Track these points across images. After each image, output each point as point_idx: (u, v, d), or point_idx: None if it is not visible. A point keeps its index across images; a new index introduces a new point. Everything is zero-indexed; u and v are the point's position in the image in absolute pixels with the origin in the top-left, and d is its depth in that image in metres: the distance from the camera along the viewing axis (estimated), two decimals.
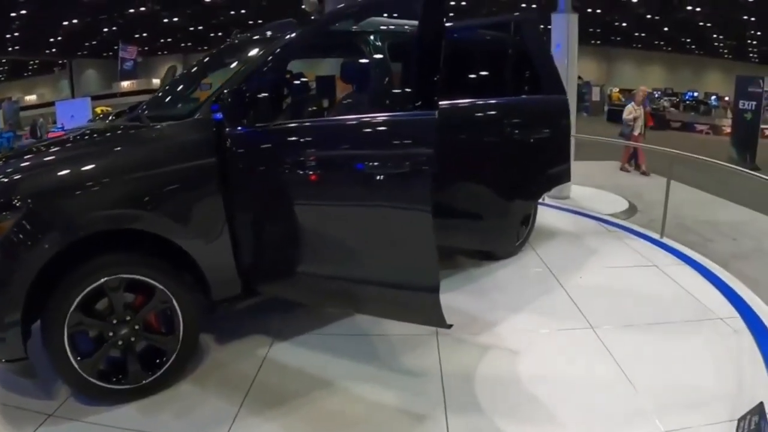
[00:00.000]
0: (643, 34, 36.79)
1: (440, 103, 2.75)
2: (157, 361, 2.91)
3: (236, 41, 4.17)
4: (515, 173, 4.29)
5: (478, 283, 4.49)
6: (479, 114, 4.26)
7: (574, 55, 7.35)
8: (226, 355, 3.36)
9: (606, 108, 28.55)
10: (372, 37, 3.51)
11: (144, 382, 2.85)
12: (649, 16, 30.43)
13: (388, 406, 2.87)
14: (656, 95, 36.33)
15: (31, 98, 35.28)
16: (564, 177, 4.84)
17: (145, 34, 33.98)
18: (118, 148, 2.91)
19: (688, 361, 3.31)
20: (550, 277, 4.61)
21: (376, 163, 2.72)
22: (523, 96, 4.29)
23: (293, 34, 3.37)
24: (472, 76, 4.49)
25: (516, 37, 4.19)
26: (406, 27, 3.59)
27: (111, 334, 2.75)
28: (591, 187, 8.70)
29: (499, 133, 4.22)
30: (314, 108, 4.34)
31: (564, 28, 7.24)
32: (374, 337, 3.58)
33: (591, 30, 36.41)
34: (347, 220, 2.91)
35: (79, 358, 2.69)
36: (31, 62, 39.24)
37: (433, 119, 2.58)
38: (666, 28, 33.27)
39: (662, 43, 39.11)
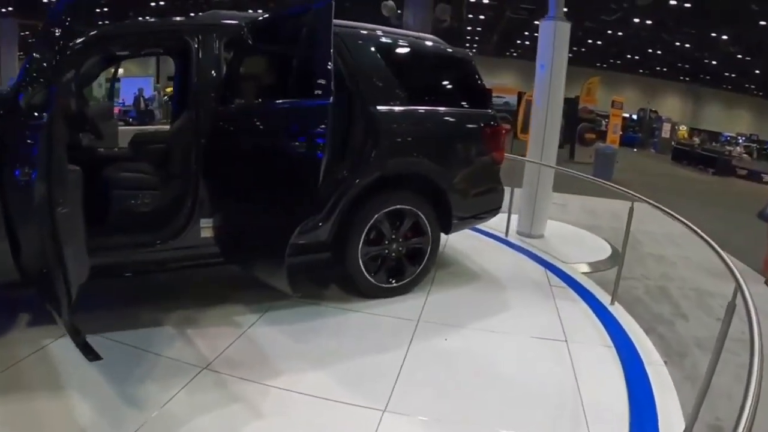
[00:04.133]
0: (733, 75, 34.18)
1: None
2: None
3: None
4: (260, 198, 3.32)
5: (323, 320, 3.83)
6: (233, 121, 3.49)
7: (560, 71, 6.20)
8: (19, 336, 3.31)
9: (673, 145, 26.62)
10: None
11: None
12: (740, 56, 28.09)
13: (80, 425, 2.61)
14: (740, 140, 33.89)
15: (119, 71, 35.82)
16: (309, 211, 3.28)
17: None
18: None
19: None
20: (408, 331, 3.69)
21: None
22: (286, 101, 3.23)
23: None
24: (257, 77, 3.79)
25: (302, 31, 3.20)
26: None
27: None
28: (576, 227, 7.57)
29: (251, 146, 3.38)
30: None
31: (550, 39, 6.09)
32: (151, 354, 3.26)
33: (679, 65, 34.17)
34: None
35: None
36: None
37: None
38: (757, 71, 30.71)
39: (752, 86, 36.28)
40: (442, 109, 4.36)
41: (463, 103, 4.53)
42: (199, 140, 3.47)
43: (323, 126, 2.78)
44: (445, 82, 4.60)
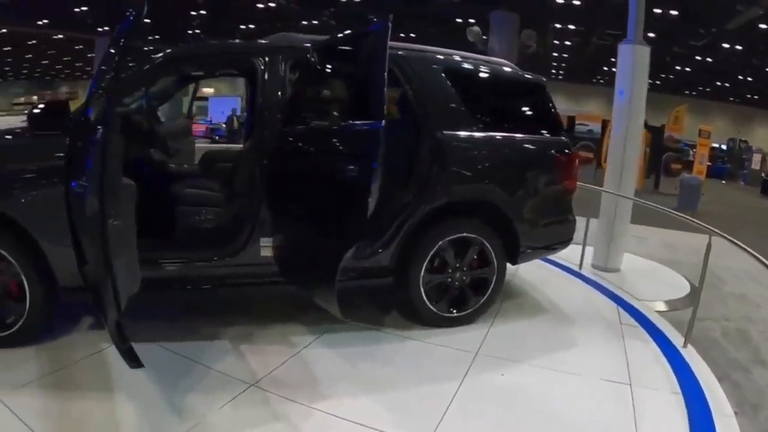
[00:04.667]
0: None
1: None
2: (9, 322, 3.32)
3: None
4: (313, 220, 3.35)
5: (379, 346, 3.77)
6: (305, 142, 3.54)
7: (640, 97, 5.92)
8: (79, 338, 3.56)
9: (763, 177, 24.95)
10: None
11: None
12: None
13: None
14: None
15: (208, 90, 36.63)
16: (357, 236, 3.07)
17: None
18: None
19: None
20: (464, 363, 3.56)
21: None
22: (340, 123, 3.29)
23: None
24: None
25: (361, 53, 3.20)
26: None
27: None
28: (654, 261, 7.18)
29: (306, 167, 3.42)
30: None
31: (630, 63, 5.85)
32: (202, 367, 3.35)
33: None
34: None
35: None
36: None
37: None
38: None
39: None
40: (512, 135, 4.23)
41: (536, 129, 4.38)
42: (262, 160, 3.53)
43: (375, 150, 2.71)
44: (516, 108, 4.47)
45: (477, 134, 4.05)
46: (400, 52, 3.93)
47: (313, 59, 3.54)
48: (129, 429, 2.73)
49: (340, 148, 3.12)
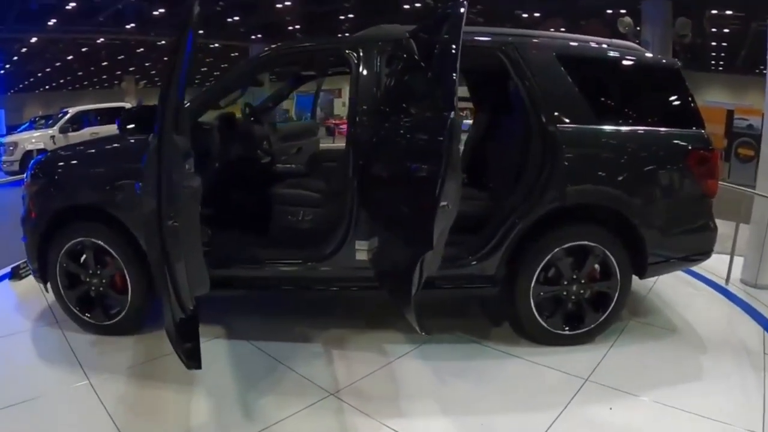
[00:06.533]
0: None
1: None
2: None
3: None
4: (391, 225, 3.15)
5: (478, 362, 3.46)
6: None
7: None
8: None
9: None
10: None
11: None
12: None
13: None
14: None
15: None
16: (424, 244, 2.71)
17: None
18: None
19: None
20: (569, 390, 3.10)
21: None
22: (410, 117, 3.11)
23: None
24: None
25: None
26: None
27: None
28: None
29: (385, 166, 3.26)
30: None
31: None
32: (287, 369, 3.33)
33: None
34: None
35: None
36: None
37: None
38: None
39: None
40: (637, 128, 3.68)
41: (668, 121, 3.77)
42: (357, 160, 3.34)
43: (445, 146, 2.41)
44: (644, 97, 3.86)
45: (596, 128, 3.57)
46: (509, 39, 3.58)
47: (407, 50, 3.29)
48: (197, 423, 2.78)
49: (415, 145, 2.85)
